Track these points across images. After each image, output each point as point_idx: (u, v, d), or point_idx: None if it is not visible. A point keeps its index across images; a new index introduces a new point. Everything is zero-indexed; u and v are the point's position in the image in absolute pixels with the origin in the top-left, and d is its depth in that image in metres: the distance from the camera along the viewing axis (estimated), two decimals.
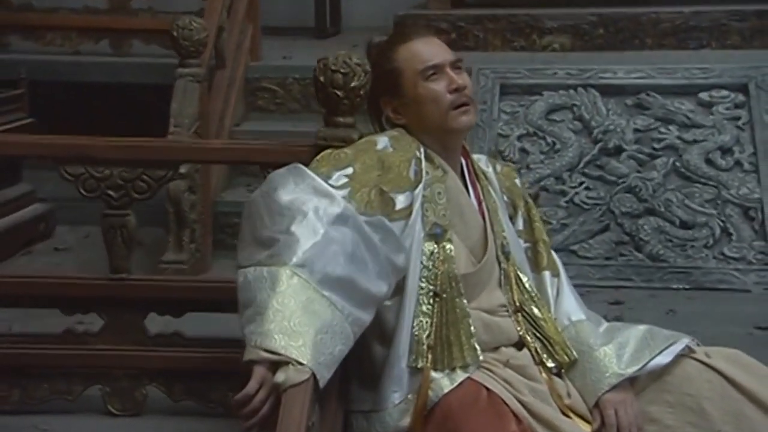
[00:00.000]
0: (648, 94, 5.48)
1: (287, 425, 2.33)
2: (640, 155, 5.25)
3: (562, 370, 2.91)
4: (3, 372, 3.24)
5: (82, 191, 3.19)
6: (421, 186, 2.86)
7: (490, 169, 3.13)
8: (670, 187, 5.12)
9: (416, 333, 2.81)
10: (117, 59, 6.02)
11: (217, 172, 5.18)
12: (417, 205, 2.84)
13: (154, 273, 4.69)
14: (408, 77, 2.94)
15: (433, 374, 2.79)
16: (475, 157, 3.12)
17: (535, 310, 2.96)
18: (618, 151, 5.28)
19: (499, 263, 2.96)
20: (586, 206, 5.10)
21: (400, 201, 2.81)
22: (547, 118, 5.45)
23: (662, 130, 5.35)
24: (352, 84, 3.04)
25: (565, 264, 4.73)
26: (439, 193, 2.90)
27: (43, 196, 5.73)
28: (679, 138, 5.30)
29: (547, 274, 3.07)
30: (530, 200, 3.17)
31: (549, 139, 5.36)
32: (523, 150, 5.34)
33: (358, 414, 2.85)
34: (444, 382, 2.78)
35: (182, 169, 4.67)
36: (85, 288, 3.22)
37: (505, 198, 3.10)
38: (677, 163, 5.20)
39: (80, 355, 3.22)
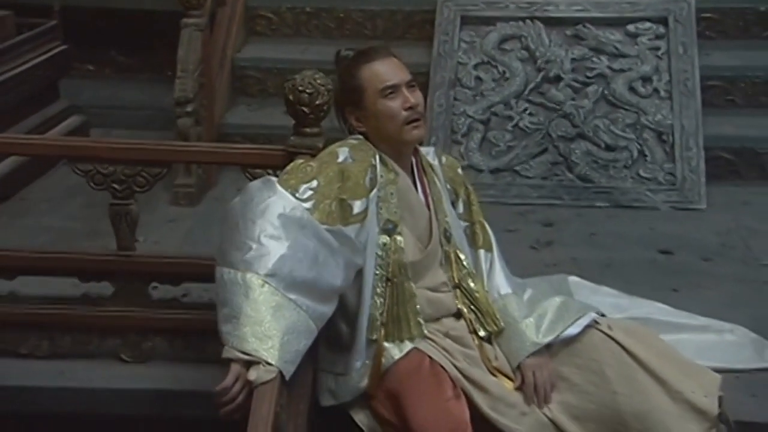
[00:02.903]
0: (584, 26, 5.33)
1: (258, 417, 2.38)
2: (575, 83, 5.13)
3: (492, 337, 2.94)
4: (35, 327, 3.27)
5: (92, 184, 3.13)
6: (375, 190, 2.84)
7: (437, 162, 3.10)
8: (599, 114, 5.02)
9: (372, 311, 2.83)
10: None
11: (220, 101, 5.09)
12: (372, 207, 2.83)
13: (168, 192, 4.66)
14: (369, 94, 2.90)
15: (386, 344, 2.83)
16: (423, 150, 3.09)
17: (471, 284, 2.98)
18: (557, 79, 5.15)
19: (442, 246, 2.96)
20: (528, 130, 5.02)
21: (357, 206, 2.79)
22: (499, 47, 5.30)
23: (594, 59, 5.21)
24: (317, 102, 2.98)
25: (509, 184, 4.86)
26: (392, 193, 2.89)
27: (79, 103, 5.65)
28: (608, 67, 5.17)
29: (482, 251, 3.08)
30: (470, 187, 3.15)
31: (500, 68, 5.22)
32: (478, 78, 5.21)
33: (329, 374, 2.89)
34: (394, 351, 2.83)
35: (189, 108, 4.63)
36: (97, 262, 3.23)
37: (448, 186, 3.09)
38: (605, 91, 5.08)
39: (96, 315, 3.24)
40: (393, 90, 2.88)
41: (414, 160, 3.00)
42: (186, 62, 4.62)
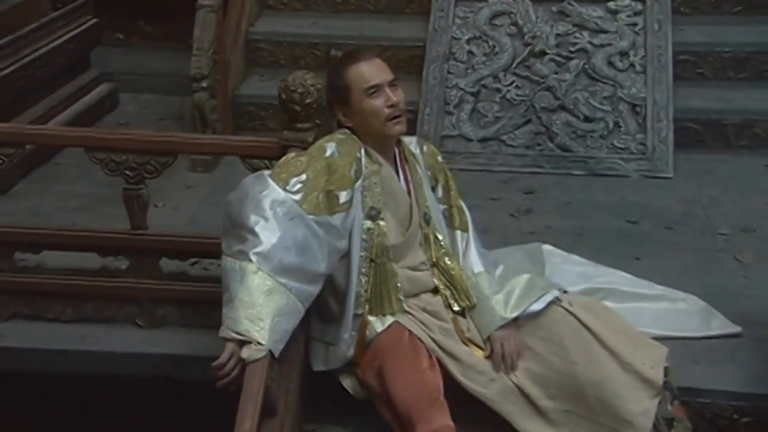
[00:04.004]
0: (569, 3, 5.25)
1: (248, 394, 2.46)
2: (558, 58, 5.07)
3: (465, 311, 2.99)
4: (60, 295, 3.34)
5: (106, 171, 3.17)
6: (360, 180, 2.87)
7: (418, 151, 3.13)
8: (579, 87, 4.96)
9: (357, 289, 2.89)
10: None
11: (234, 74, 5.08)
12: (357, 195, 2.87)
13: (186, 159, 4.66)
14: (355, 93, 2.92)
15: (369, 318, 2.90)
16: (406, 140, 3.11)
17: (448, 262, 3.02)
18: (542, 54, 5.08)
19: (421, 228, 3.00)
20: (514, 102, 4.98)
21: (343, 196, 2.83)
22: (490, 23, 5.24)
23: (577, 35, 5.14)
24: (307, 101, 3.01)
25: (495, 153, 4.86)
26: (375, 183, 2.93)
27: (109, 70, 5.66)
28: (589, 43, 5.11)
29: (458, 232, 3.11)
30: (449, 173, 3.17)
31: (490, 43, 5.17)
32: (470, 52, 5.16)
33: (321, 343, 2.95)
34: (377, 325, 2.89)
35: (204, 83, 4.63)
36: (114, 239, 3.28)
37: (429, 173, 3.12)
38: (586, 66, 5.03)
39: (113, 286, 3.31)
40: (376, 89, 2.91)
41: (397, 151, 3.03)
42: (201, 41, 4.61)
